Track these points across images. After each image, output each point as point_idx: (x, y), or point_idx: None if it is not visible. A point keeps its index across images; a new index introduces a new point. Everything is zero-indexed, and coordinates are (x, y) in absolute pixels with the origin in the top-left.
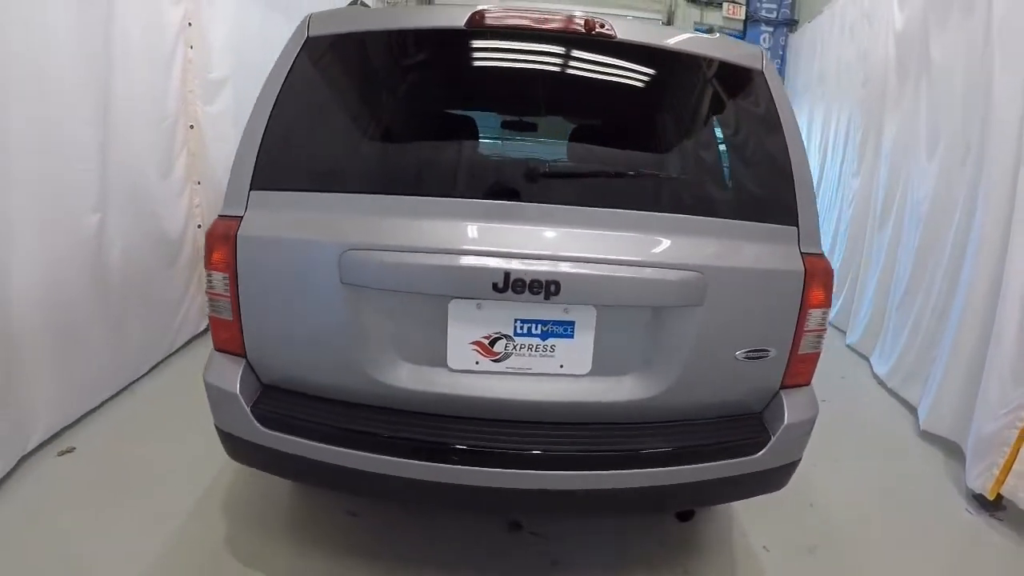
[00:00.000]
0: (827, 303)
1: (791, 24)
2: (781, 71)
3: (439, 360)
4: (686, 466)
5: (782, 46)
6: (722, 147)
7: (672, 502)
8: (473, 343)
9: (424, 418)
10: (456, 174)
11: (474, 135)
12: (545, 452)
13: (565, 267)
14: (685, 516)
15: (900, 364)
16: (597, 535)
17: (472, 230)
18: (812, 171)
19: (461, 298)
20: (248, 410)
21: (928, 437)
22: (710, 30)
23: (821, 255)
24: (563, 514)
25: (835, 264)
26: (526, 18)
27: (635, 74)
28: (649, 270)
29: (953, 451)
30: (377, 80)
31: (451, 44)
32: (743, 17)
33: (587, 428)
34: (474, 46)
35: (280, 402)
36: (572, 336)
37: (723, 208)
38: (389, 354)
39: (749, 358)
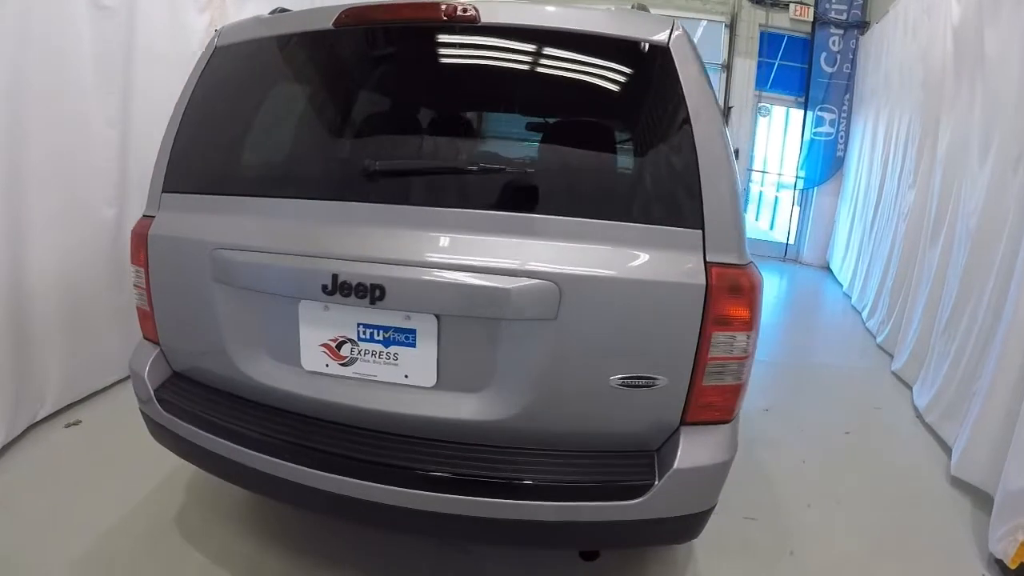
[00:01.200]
0: (746, 326)
1: (862, 26)
2: (851, 76)
3: (295, 360)
4: (534, 502)
5: (852, 50)
6: (603, 136)
7: (522, 538)
8: (322, 345)
9: (280, 415)
10: (305, 176)
11: (334, 134)
12: (369, 462)
13: (391, 271)
14: (589, 555)
15: (940, 397)
16: (528, 566)
17: (306, 232)
18: (873, 184)
19: (308, 299)
20: (152, 393)
21: (959, 485)
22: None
23: (740, 266)
24: (391, 528)
25: (887, 284)
26: (387, 11)
27: (501, 58)
28: (487, 277)
29: (984, 504)
30: (259, 87)
31: (321, 46)
32: (811, 19)
33: (432, 445)
34: (341, 45)
35: (179, 389)
36: (415, 345)
37: (596, 208)
38: (255, 351)
39: (629, 386)
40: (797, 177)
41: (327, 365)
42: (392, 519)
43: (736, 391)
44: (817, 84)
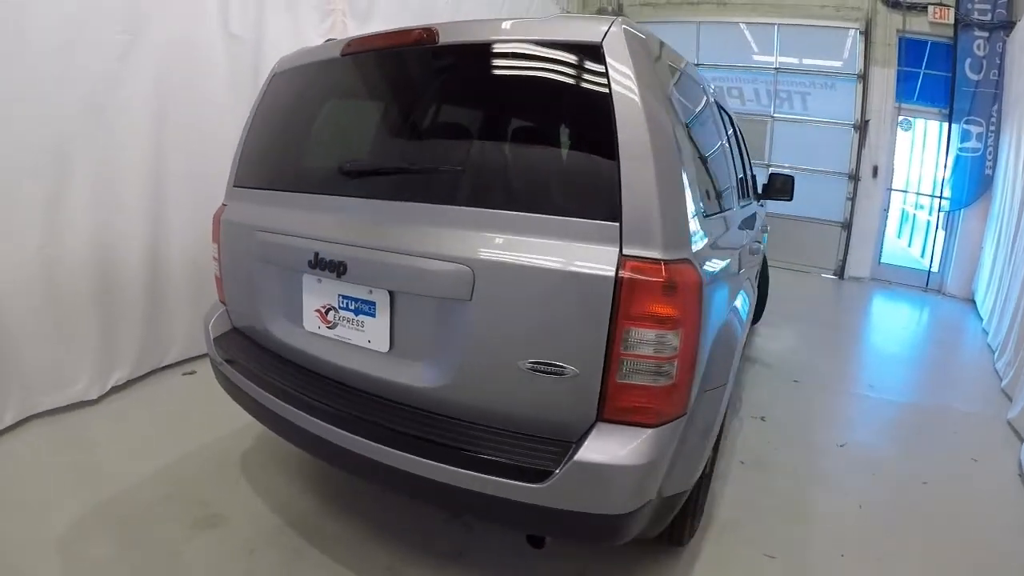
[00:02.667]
0: (673, 324)
1: (1008, 27)
2: (998, 84)
3: (300, 322)
4: (447, 466)
5: (999, 54)
6: (532, 135)
7: (439, 498)
8: (316, 310)
9: (285, 364)
10: (309, 175)
11: (328, 140)
12: (332, 409)
13: (349, 251)
14: (536, 543)
15: None
16: (518, 547)
17: (305, 219)
18: (1015, 206)
19: (308, 272)
20: (213, 342)
21: None
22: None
23: (666, 261)
24: (338, 467)
25: (1018, 319)
26: (371, 39)
27: (455, 72)
28: (415, 259)
29: None
30: (292, 105)
31: (331, 71)
32: (951, 21)
33: (381, 402)
34: (343, 70)
35: (233, 341)
36: (375, 315)
37: (520, 201)
38: (276, 312)
39: (539, 371)
40: (942, 198)
41: (319, 327)
42: (344, 461)
43: (666, 394)
44: (962, 94)
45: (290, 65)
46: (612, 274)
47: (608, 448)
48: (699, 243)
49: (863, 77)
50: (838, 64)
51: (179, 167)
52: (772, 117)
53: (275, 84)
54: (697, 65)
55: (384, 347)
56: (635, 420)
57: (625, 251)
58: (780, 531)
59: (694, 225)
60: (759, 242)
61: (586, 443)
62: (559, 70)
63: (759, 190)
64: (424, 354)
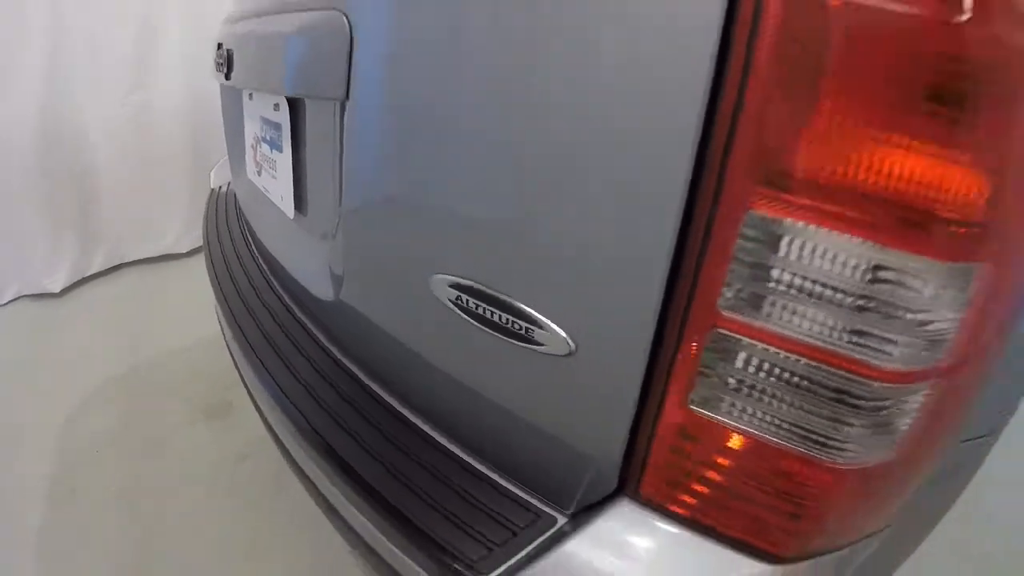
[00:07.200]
0: (944, 215)
1: None
2: None
3: (244, 166)
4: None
5: None
6: None
7: None
8: (251, 144)
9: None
10: None
11: None
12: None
13: (232, 27)
14: None
15: None
16: None
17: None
18: None
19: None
20: (211, 190)
21: None
22: None
23: None
24: None
25: None
26: None
27: None
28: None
29: None
30: None
31: None
32: None
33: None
34: None
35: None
36: (281, 149)
37: None
38: (236, 156)
39: (467, 312)
40: None
41: (254, 171)
42: None
43: (867, 482)
44: None
45: None
46: None
47: None
48: None
49: None
50: None
51: None
52: None
53: None
54: None
55: (290, 207)
56: (731, 533)
57: None
58: None
59: None
60: None
61: (572, 544)
62: None
63: None
64: (327, 228)
